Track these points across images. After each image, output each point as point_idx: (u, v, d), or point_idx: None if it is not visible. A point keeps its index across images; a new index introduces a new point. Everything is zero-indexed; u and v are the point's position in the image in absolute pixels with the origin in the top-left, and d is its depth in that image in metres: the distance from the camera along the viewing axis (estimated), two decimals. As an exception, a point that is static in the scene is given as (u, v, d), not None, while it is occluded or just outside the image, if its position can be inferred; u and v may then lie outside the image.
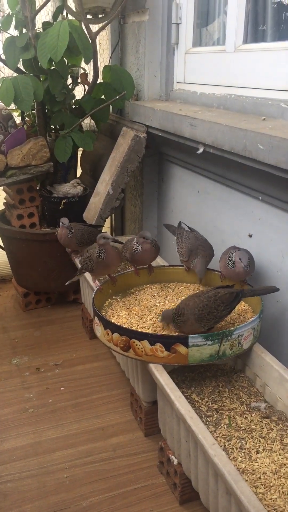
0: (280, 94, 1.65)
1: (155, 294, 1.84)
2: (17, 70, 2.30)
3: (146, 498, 1.48)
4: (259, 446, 1.30)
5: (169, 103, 2.23)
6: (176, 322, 1.48)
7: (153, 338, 1.44)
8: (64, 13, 2.36)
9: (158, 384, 1.42)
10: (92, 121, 2.56)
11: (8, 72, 2.54)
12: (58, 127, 2.50)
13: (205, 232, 1.94)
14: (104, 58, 2.77)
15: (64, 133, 2.29)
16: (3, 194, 2.58)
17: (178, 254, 1.87)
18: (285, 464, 1.24)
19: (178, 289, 1.88)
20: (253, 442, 1.32)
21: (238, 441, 1.32)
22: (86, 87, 2.43)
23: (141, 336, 1.46)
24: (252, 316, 1.63)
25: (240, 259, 1.63)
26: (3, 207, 2.63)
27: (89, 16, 2.42)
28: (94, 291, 1.74)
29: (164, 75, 2.32)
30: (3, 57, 2.26)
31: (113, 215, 2.90)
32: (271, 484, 1.18)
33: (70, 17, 2.39)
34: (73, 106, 2.45)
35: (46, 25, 2.26)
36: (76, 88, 2.54)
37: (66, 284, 2.00)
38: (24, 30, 2.23)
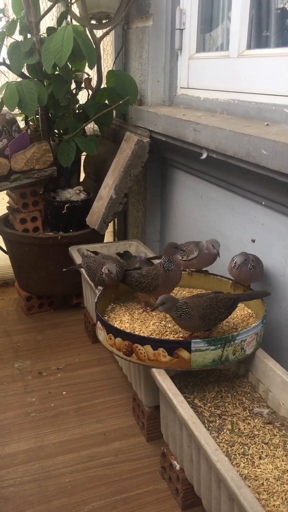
0: (284, 99, 1.65)
1: (158, 298, 1.84)
2: (21, 75, 2.31)
3: (148, 504, 1.47)
4: (262, 452, 1.30)
5: (173, 108, 2.23)
6: (181, 313, 1.45)
7: (155, 343, 1.44)
8: (69, 19, 2.38)
9: (160, 389, 1.42)
10: (95, 125, 2.57)
11: (12, 77, 2.55)
12: (61, 131, 2.51)
13: (208, 237, 1.94)
14: (107, 63, 2.78)
15: (67, 138, 2.29)
16: (7, 198, 2.59)
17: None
18: (288, 470, 1.24)
19: (181, 294, 1.88)
20: (256, 448, 1.31)
21: (241, 447, 1.31)
22: (90, 92, 2.44)
23: (143, 340, 1.46)
24: (255, 321, 1.63)
25: (236, 260, 1.66)
26: (7, 211, 2.63)
27: (93, 22, 2.43)
28: (97, 296, 1.74)
29: (167, 80, 2.33)
30: (7, 62, 2.28)
31: (116, 219, 2.90)
32: (274, 490, 1.17)
33: (74, 22, 2.41)
34: (77, 111, 2.46)
35: (50, 30, 2.27)
36: (80, 93, 2.55)
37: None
38: (29, 35, 2.25)
